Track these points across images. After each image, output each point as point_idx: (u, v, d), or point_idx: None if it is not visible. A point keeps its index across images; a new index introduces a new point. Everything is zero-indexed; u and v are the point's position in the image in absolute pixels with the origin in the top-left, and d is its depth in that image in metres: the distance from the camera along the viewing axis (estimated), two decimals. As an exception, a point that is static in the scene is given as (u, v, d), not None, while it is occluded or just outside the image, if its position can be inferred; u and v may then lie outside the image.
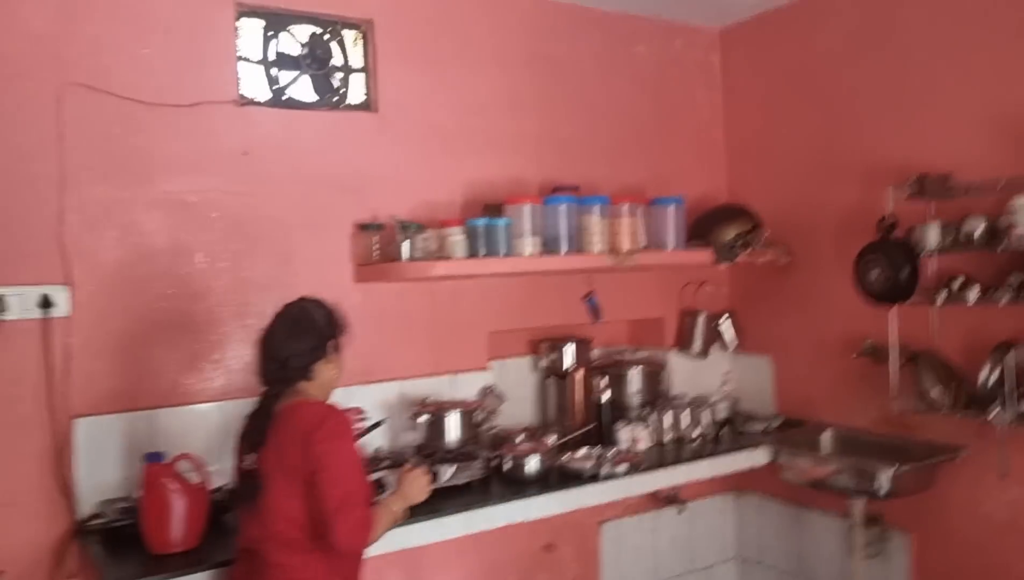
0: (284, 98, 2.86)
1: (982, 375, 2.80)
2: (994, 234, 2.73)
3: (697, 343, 3.65)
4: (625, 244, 3.10)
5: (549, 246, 2.95)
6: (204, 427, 2.65)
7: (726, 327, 3.71)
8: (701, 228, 3.46)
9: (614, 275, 3.40)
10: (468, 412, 2.93)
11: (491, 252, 2.80)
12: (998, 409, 2.66)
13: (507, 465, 2.79)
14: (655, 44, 3.66)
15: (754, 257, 3.41)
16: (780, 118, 3.61)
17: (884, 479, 2.84)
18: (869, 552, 3.22)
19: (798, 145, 3.53)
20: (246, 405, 2.74)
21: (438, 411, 2.90)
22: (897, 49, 3.14)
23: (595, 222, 3.02)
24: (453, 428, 2.90)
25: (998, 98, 2.83)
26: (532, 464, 2.78)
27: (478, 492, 2.68)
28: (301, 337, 2.05)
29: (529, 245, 2.88)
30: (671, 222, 3.24)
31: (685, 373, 3.70)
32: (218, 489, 2.45)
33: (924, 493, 3.01)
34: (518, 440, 2.98)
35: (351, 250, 2.89)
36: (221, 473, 2.49)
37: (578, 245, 3.02)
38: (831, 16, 3.37)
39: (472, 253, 2.78)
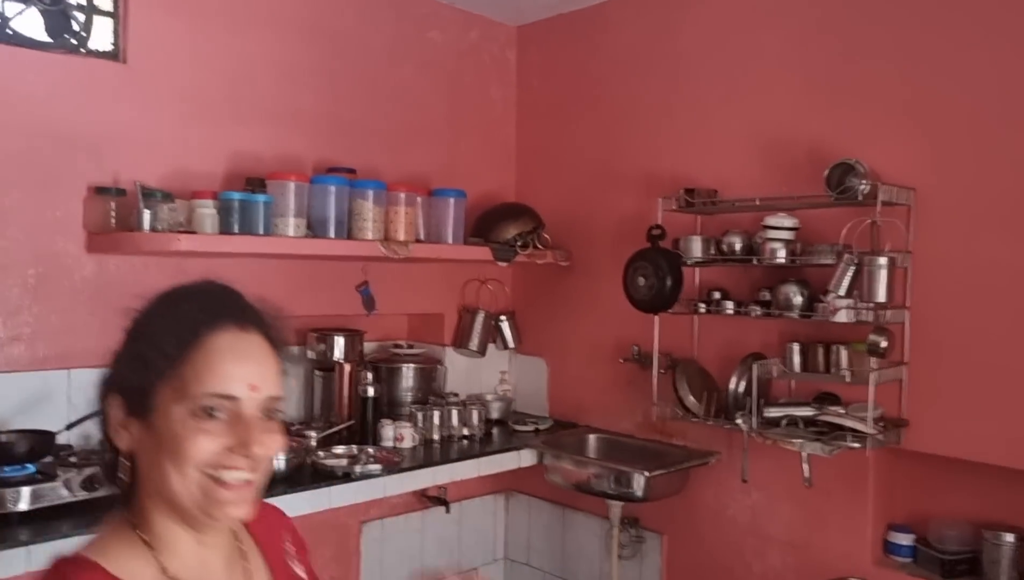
0: (7, 33, 2.47)
1: (732, 384, 2.91)
2: (750, 250, 2.85)
3: (475, 341, 3.58)
4: (400, 234, 2.97)
5: (316, 229, 2.77)
6: None
7: (505, 326, 3.67)
8: (483, 225, 3.40)
9: (393, 266, 3.26)
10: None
11: (247, 230, 2.57)
12: (743, 417, 2.76)
13: (250, 462, 2.57)
14: (451, 32, 3.56)
15: (533, 257, 3.39)
16: (568, 121, 3.62)
17: (639, 483, 2.89)
18: (626, 553, 3.28)
19: (583, 149, 3.55)
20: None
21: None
22: (674, 68, 3.22)
23: (368, 208, 2.87)
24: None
25: (758, 124, 2.95)
26: (279, 461, 2.58)
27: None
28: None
29: (292, 226, 2.68)
30: (451, 215, 3.16)
31: (462, 371, 3.63)
32: None
33: (677, 496, 3.09)
34: (270, 435, 2.76)
35: (83, 216, 2.56)
36: None
37: (349, 231, 2.85)
38: (621, 27, 3.41)
39: (225, 229, 2.54)
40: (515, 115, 3.82)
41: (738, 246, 2.86)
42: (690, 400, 2.98)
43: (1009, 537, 2.50)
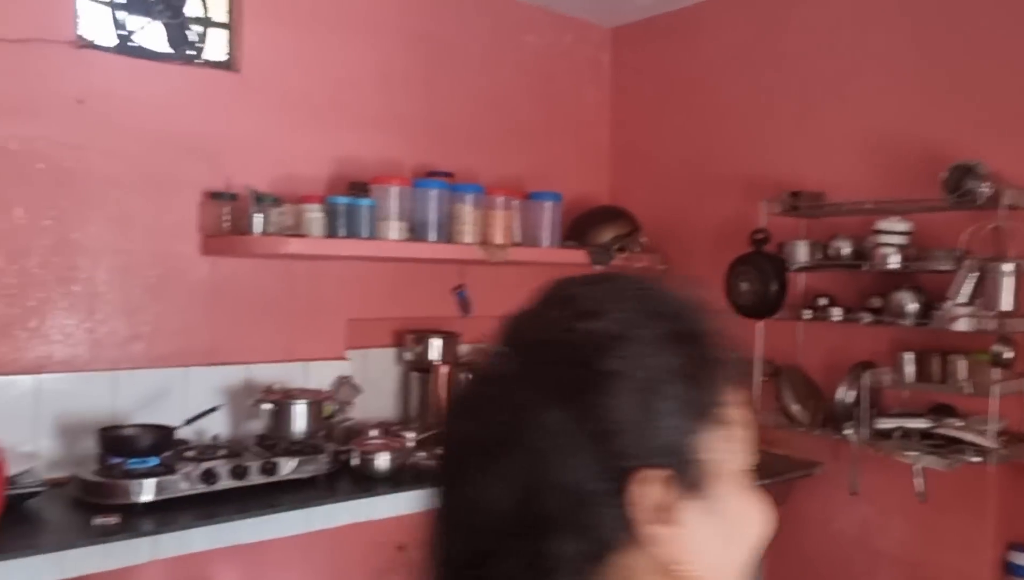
0: (131, 45, 2.58)
1: (839, 393, 2.82)
2: (860, 255, 2.75)
3: (568, 345, 3.56)
4: (498, 237, 2.98)
5: (417, 232, 2.80)
6: (13, 401, 2.36)
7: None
8: (579, 228, 3.38)
9: (487, 269, 3.27)
10: (317, 402, 2.73)
11: (352, 233, 2.62)
12: (852, 427, 2.67)
13: (355, 461, 2.61)
14: (545, 36, 3.56)
15: (630, 261, 3.35)
16: (665, 123, 3.57)
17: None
18: (722, 565, 3.21)
19: (680, 152, 3.50)
20: (66, 380, 2.46)
21: (284, 399, 2.69)
22: (780, 68, 3.14)
23: (467, 211, 2.89)
24: (300, 419, 2.69)
25: (869, 125, 2.86)
26: (382, 461, 2.62)
27: (323, 487, 2.49)
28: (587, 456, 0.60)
29: (395, 229, 2.72)
30: (547, 219, 3.15)
31: (554, 375, 3.61)
32: (22, 473, 2.18)
33: (779, 508, 3.00)
34: (371, 435, 2.81)
35: (199, 219, 2.65)
36: (29, 456, 2.23)
37: (448, 234, 2.88)
38: (720, 27, 3.35)
39: (331, 233, 2.59)
40: (609, 117, 3.80)
41: (846, 251, 2.78)
42: (794, 408, 2.89)
43: None
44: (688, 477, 0.61)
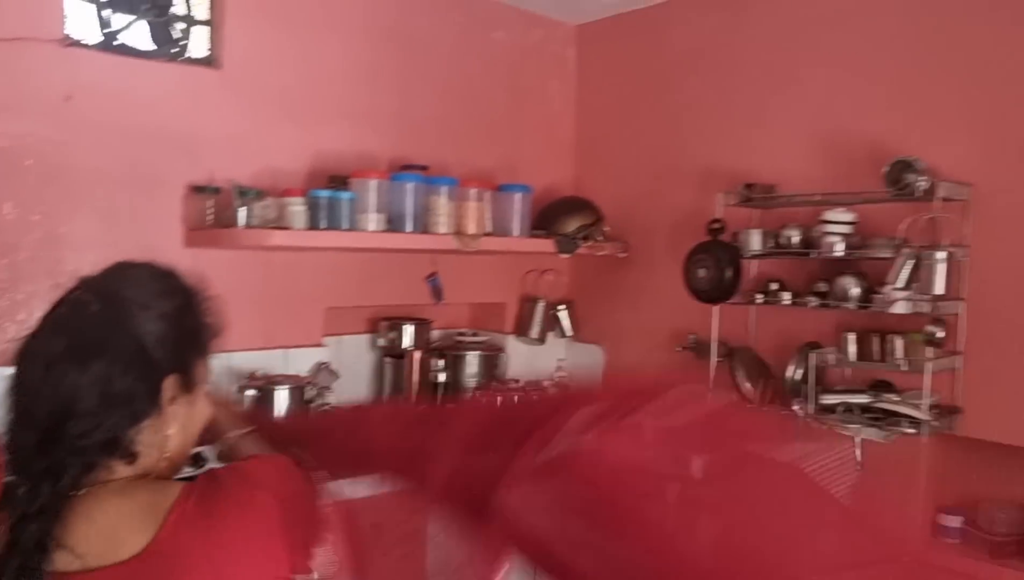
0: (116, 43, 2.66)
1: (788, 372, 3.03)
2: (808, 243, 2.96)
3: (535, 329, 3.73)
4: (471, 228, 3.12)
5: (394, 224, 2.93)
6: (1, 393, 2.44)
7: (563, 315, 3.81)
8: (546, 218, 3.54)
9: (458, 258, 3.41)
10: (298, 388, 2.86)
11: (333, 225, 2.74)
12: (799, 403, 2.88)
13: (336, 442, 2.75)
14: (514, 32, 3.69)
15: (594, 249, 3.53)
16: (628, 117, 3.74)
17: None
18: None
19: (642, 145, 3.67)
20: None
21: (266, 386, 2.81)
22: (736, 66, 3.32)
23: (442, 203, 3.02)
24: (282, 403, 2.82)
25: (818, 122, 3.05)
26: (362, 442, 2.76)
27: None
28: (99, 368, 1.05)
29: (373, 221, 2.84)
30: (517, 209, 3.30)
31: (522, 358, 3.78)
32: None
33: (732, 479, 3.22)
34: (350, 418, 2.95)
35: (183, 213, 2.74)
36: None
37: (424, 225, 3.01)
38: (680, 27, 3.52)
39: (313, 225, 2.71)
40: (574, 112, 3.95)
41: (796, 239, 2.98)
42: (746, 387, 3.10)
43: (1060, 520, 2.60)
44: (186, 383, 1.13)
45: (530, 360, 3.81)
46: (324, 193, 2.73)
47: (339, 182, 2.88)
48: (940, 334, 2.59)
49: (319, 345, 3.13)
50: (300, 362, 3.05)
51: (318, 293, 3.10)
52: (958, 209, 2.69)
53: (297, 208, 2.68)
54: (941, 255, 2.54)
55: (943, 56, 2.74)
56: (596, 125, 3.88)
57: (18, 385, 1.08)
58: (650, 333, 3.61)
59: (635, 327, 3.69)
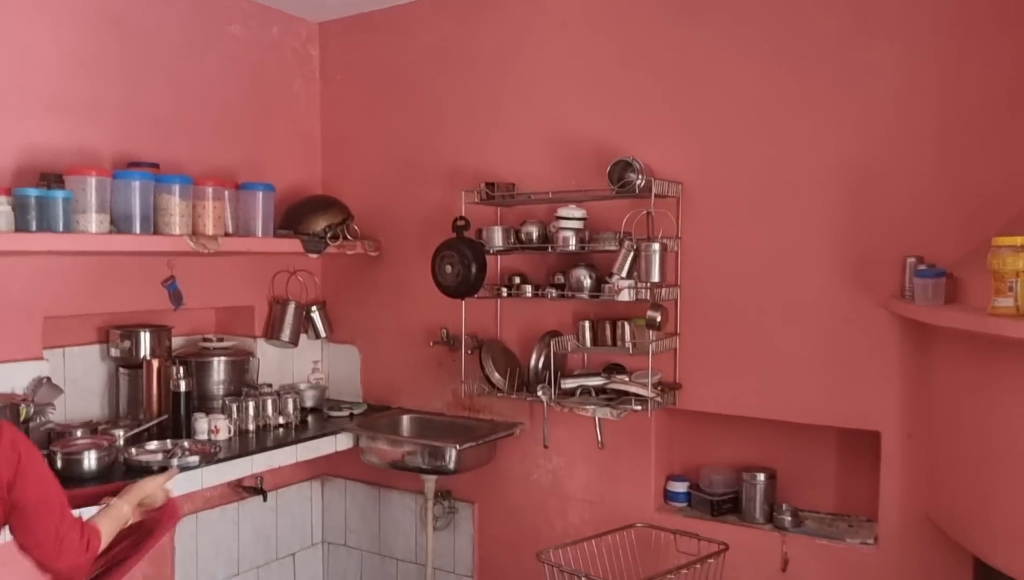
0: None
1: (532, 360, 3.20)
2: (546, 238, 3.14)
3: (287, 332, 3.64)
4: (209, 228, 2.98)
5: (120, 225, 2.73)
6: None
7: (317, 316, 3.75)
8: (292, 217, 3.47)
9: (199, 260, 3.25)
10: (13, 406, 2.58)
11: (45, 227, 2.50)
12: (543, 389, 3.05)
13: (59, 463, 2.52)
14: (251, 27, 3.57)
15: (344, 249, 3.50)
16: (374, 116, 3.75)
17: (451, 456, 3.11)
18: (440, 524, 3.50)
19: (389, 144, 3.70)
20: None
21: (-27, 406, 2.52)
22: (475, 70, 3.44)
23: (175, 203, 2.87)
24: (-8, 425, 2.53)
25: (550, 124, 3.25)
26: (90, 460, 2.55)
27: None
28: None
29: (95, 222, 2.63)
30: (260, 209, 3.21)
31: (274, 362, 3.68)
32: None
33: (486, 467, 3.35)
34: (76, 435, 2.71)
35: None
36: None
37: (155, 226, 2.84)
38: (421, 28, 3.59)
39: (21, 227, 2.46)
40: (319, 109, 3.90)
41: (535, 235, 3.15)
42: (495, 377, 3.23)
43: (761, 476, 2.96)
44: None
45: (283, 364, 3.71)
46: (33, 191, 2.48)
47: (53, 180, 2.63)
48: (659, 318, 2.84)
49: (38, 358, 2.84)
50: (14, 377, 2.75)
51: (34, 301, 2.80)
52: (671, 205, 2.98)
53: (1, 208, 2.42)
54: (656, 246, 2.79)
55: (656, 64, 3.02)
56: (343, 124, 3.86)
57: None
58: (405, 330, 3.65)
59: (390, 325, 3.71)
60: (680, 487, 3.16)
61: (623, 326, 3.02)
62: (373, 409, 3.68)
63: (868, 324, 2.67)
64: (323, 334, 3.78)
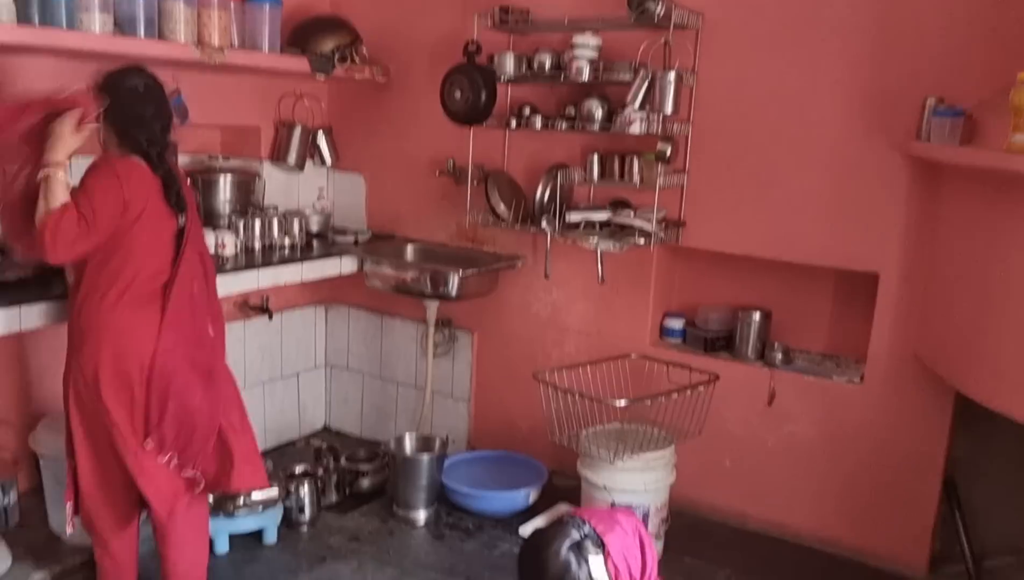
0: None
1: (538, 193, 3.20)
2: (558, 67, 3.06)
3: (293, 156, 3.61)
4: (215, 38, 2.90)
5: (123, 27, 2.66)
6: None
7: (323, 142, 3.71)
8: (300, 36, 3.36)
9: (204, 74, 3.18)
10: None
11: (49, 21, 2.43)
12: (547, 221, 3.06)
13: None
14: None
15: (351, 72, 3.42)
16: (386, -68, 3.58)
17: (453, 282, 3.16)
18: (440, 351, 3.61)
19: (400, -37, 3.55)
20: None
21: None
22: None
23: (179, 9, 2.77)
24: None
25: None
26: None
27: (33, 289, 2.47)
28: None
29: (98, 21, 2.55)
30: (267, 23, 3.11)
31: (279, 185, 3.67)
32: None
33: (487, 297, 3.41)
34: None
35: None
36: None
37: (160, 32, 2.76)
38: None
39: (24, 19, 2.38)
40: (329, -78, 3.71)
41: (548, 63, 3.07)
42: (500, 208, 3.24)
43: (756, 315, 3.04)
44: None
45: (288, 188, 3.71)
46: (35, -18, 2.39)
47: (55, -28, 2.53)
48: (669, 151, 2.83)
49: (45, 165, 2.82)
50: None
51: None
52: (690, 37, 2.89)
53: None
54: (671, 76, 2.73)
55: None
56: (353, -62, 3.68)
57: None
58: (411, 159, 3.63)
59: (396, 154, 3.68)
60: (676, 324, 3.24)
61: (632, 160, 2.99)
62: (377, 237, 3.71)
63: (879, 167, 2.66)
64: (328, 161, 3.75)
